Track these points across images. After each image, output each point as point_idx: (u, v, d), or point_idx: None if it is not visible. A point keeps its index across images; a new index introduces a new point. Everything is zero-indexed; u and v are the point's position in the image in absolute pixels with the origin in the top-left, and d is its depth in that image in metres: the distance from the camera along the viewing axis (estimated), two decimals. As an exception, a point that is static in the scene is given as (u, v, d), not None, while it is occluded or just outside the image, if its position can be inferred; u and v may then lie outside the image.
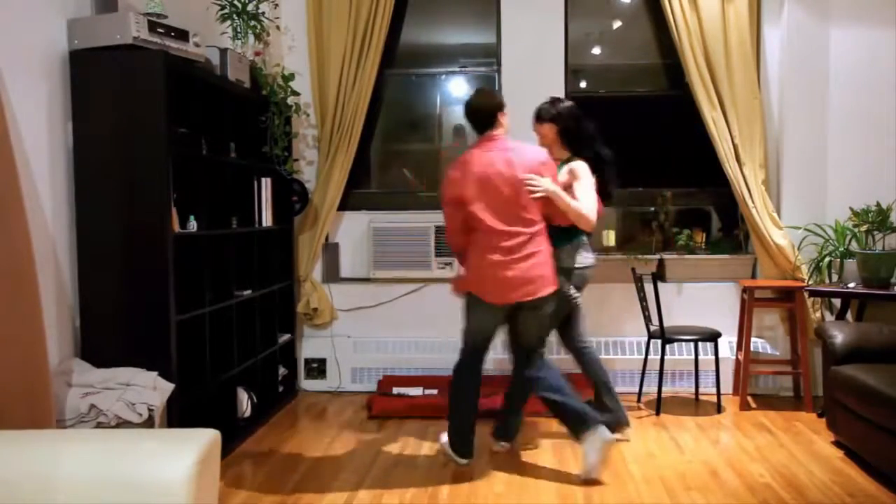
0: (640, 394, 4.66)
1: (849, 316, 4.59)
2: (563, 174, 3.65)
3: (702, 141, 4.81)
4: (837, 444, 3.83)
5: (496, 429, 3.80)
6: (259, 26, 4.34)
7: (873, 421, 3.32)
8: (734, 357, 4.80)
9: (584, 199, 3.50)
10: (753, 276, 4.98)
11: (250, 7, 4.29)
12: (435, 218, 4.94)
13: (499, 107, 3.42)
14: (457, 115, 5.41)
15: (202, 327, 3.61)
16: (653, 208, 5.18)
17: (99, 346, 3.22)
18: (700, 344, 4.65)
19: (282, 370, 4.72)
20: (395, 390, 4.71)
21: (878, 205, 4.41)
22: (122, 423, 2.84)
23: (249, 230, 4.20)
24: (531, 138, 3.78)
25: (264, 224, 4.40)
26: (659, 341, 4.43)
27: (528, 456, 3.75)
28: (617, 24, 5.29)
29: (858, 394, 3.44)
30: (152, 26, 3.20)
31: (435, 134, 5.43)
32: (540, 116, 3.80)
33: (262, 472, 3.57)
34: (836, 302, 4.67)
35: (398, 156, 5.50)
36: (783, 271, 4.71)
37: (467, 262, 3.46)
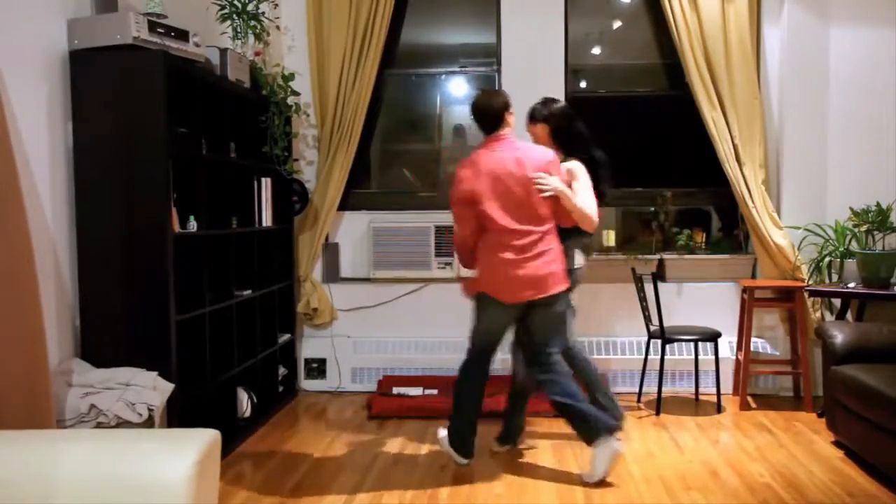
0: (640, 394, 4.66)
1: (849, 316, 4.59)
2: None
3: (702, 141, 4.81)
4: (837, 444, 3.83)
5: (502, 433, 3.81)
6: (259, 26, 4.34)
7: (873, 421, 3.32)
8: (734, 357, 4.80)
9: (585, 199, 3.50)
10: (753, 276, 4.98)
11: (250, 7, 4.29)
12: (435, 218, 4.95)
13: (506, 106, 3.43)
14: (457, 115, 5.41)
15: (202, 327, 3.61)
16: (653, 208, 5.18)
17: (99, 346, 3.22)
18: (700, 344, 4.65)
19: (282, 370, 4.72)
20: (395, 390, 4.71)
21: (878, 205, 4.41)
22: (122, 423, 2.84)
23: (249, 230, 4.20)
24: (526, 139, 3.78)
25: (264, 224, 4.40)
26: (659, 341, 4.43)
27: (528, 456, 3.75)
28: (617, 24, 5.29)
29: (858, 394, 3.44)
30: (152, 26, 3.20)
31: (435, 134, 5.43)
32: (533, 117, 3.80)
33: (262, 472, 3.57)
34: (836, 302, 4.67)
35: (398, 156, 5.50)
36: (783, 271, 4.71)
37: (477, 262, 3.44)
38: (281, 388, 4.68)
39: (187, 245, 3.52)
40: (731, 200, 4.87)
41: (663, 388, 4.50)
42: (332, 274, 5.09)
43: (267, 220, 4.43)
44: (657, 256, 4.99)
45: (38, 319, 2.63)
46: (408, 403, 4.52)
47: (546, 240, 3.36)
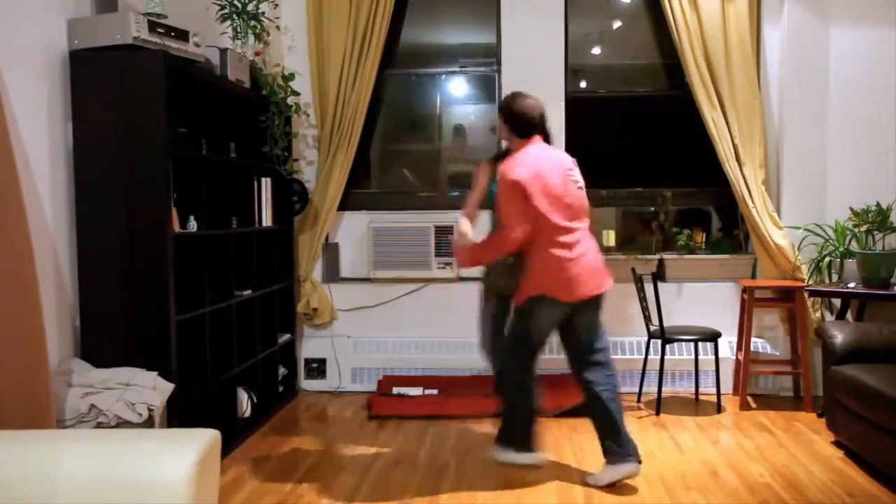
0: (640, 394, 4.66)
1: (849, 316, 4.59)
2: None
3: (702, 141, 4.81)
4: (837, 444, 3.83)
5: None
6: (259, 26, 4.34)
7: (873, 421, 3.32)
8: (734, 357, 4.80)
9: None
10: (753, 276, 4.98)
11: (250, 7, 4.29)
12: (435, 218, 4.95)
13: (543, 111, 3.45)
14: (457, 115, 5.42)
15: (202, 327, 3.61)
16: (653, 208, 5.18)
17: (99, 346, 3.22)
18: (700, 344, 4.65)
19: (282, 370, 4.72)
20: (395, 390, 4.71)
21: (878, 205, 4.41)
22: (122, 423, 2.84)
23: (249, 230, 4.20)
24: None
25: (264, 224, 4.40)
26: (659, 341, 4.43)
27: (528, 456, 3.75)
28: (617, 24, 5.29)
29: (858, 394, 3.44)
30: (152, 26, 3.20)
31: (435, 134, 5.43)
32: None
33: (262, 472, 3.56)
34: (836, 302, 4.67)
35: (398, 156, 5.50)
36: (783, 271, 4.71)
37: (525, 265, 3.37)
38: (281, 388, 4.68)
39: (187, 245, 3.52)
40: (731, 200, 4.87)
41: (663, 388, 4.50)
42: (332, 274, 5.09)
43: (267, 220, 4.43)
44: (657, 256, 4.99)
45: (38, 319, 2.63)
46: (408, 403, 4.52)
47: (589, 237, 3.41)
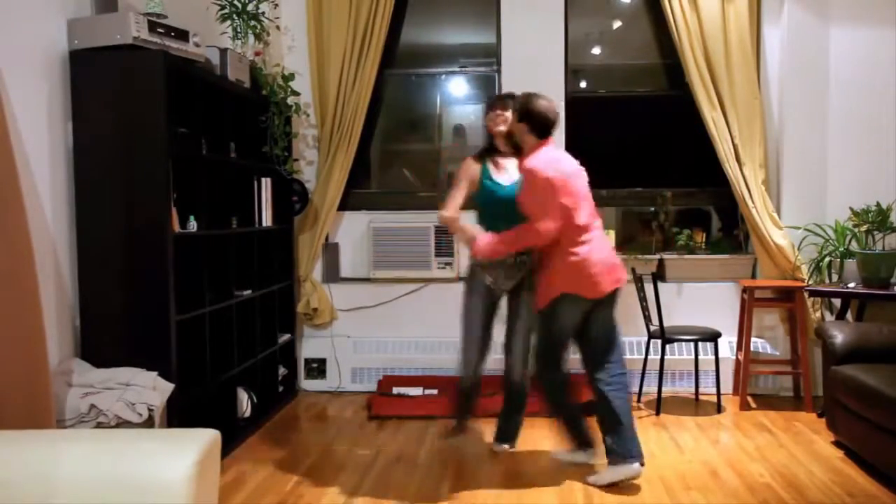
0: (640, 394, 4.66)
1: (849, 316, 4.58)
2: None
3: (702, 141, 4.81)
4: (837, 444, 3.83)
5: (500, 433, 3.82)
6: (259, 26, 4.34)
7: (873, 421, 3.32)
8: (734, 357, 4.80)
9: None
10: (753, 276, 4.98)
11: (250, 7, 4.29)
12: (435, 218, 4.91)
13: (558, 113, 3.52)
14: (457, 115, 5.42)
15: (202, 327, 3.61)
16: (653, 208, 5.18)
17: (99, 346, 3.22)
18: (700, 344, 4.65)
19: (282, 370, 4.72)
20: (395, 390, 4.71)
21: (878, 205, 4.41)
22: (122, 423, 2.84)
23: (249, 230, 4.20)
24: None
25: (264, 224, 4.40)
26: (659, 341, 4.43)
27: (528, 456, 3.75)
28: (617, 24, 5.29)
29: (858, 394, 3.44)
30: (152, 26, 3.20)
31: (435, 134, 5.43)
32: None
33: (262, 472, 3.56)
34: (836, 302, 4.67)
35: (398, 156, 5.50)
36: (783, 271, 4.71)
37: (543, 267, 3.41)
38: (281, 388, 4.68)
39: (187, 245, 3.52)
40: (731, 200, 4.87)
41: (663, 388, 4.50)
42: (332, 274, 5.09)
43: (267, 220, 4.43)
44: (657, 256, 4.99)
45: (38, 319, 2.63)
46: (408, 403, 4.52)
47: (603, 235, 3.50)
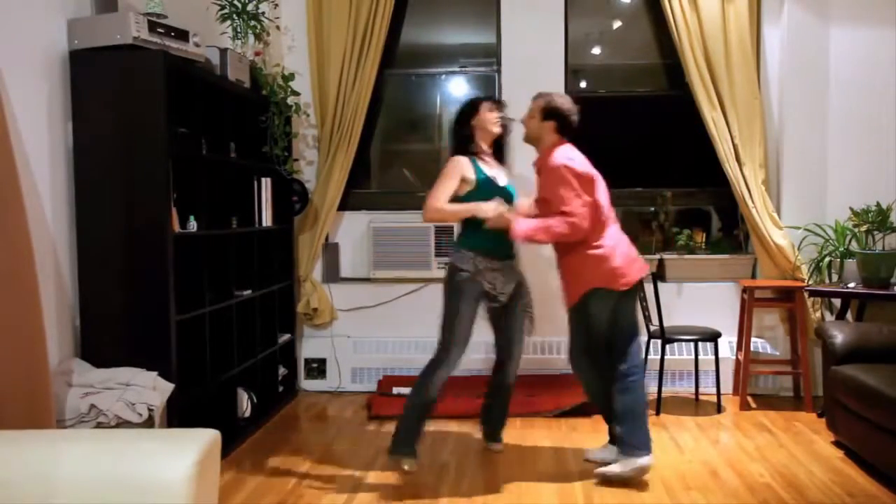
0: (640, 394, 4.66)
1: (849, 316, 4.58)
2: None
3: (702, 141, 4.81)
4: (837, 444, 3.83)
5: (487, 431, 3.84)
6: (259, 26, 4.33)
7: (873, 421, 3.32)
8: (734, 357, 4.80)
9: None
10: (753, 276, 4.98)
11: (250, 7, 4.29)
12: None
13: None
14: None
15: (202, 327, 3.61)
16: (653, 208, 5.18)
17: (99, 346, 3.22)
18: (700, 344, 4.65)
19: (282, 370, 4.72)
20: (395, 390, 4.70)
21: (878, 205, 4.40)
22: (122, 423, 2.84)
23: (249, 230, 4.20)
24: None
25: (264, 224, 4.40)
26: (659, 341, 4.43)
27: (528, 456, 3.75)
28: (617, 24, 5.29)
29: (858, 394, 3.44)
30: (152, 26, 3.20)
31: (435, 134, 5.43)
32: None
33: (262, 472, 3.56)
34: (836, 302, 4.67)
35: (398, 156, 5.50)
36: (783, 271, 4.71)
37: (576, 261, 3.40)
38: (281, 388, 4.68)
39: (187, 245, 3.52)
40: (731, 200, 4.87)
41: (663, 388, 4.50)
42: (332, 274, 5.08)
43: (267, 220, 4.43)
44: (657, 256, 4.99)
45: (38, 319, 2.63)
46: (408, 403, 4.52)
47: (620, 229, 3.52)
